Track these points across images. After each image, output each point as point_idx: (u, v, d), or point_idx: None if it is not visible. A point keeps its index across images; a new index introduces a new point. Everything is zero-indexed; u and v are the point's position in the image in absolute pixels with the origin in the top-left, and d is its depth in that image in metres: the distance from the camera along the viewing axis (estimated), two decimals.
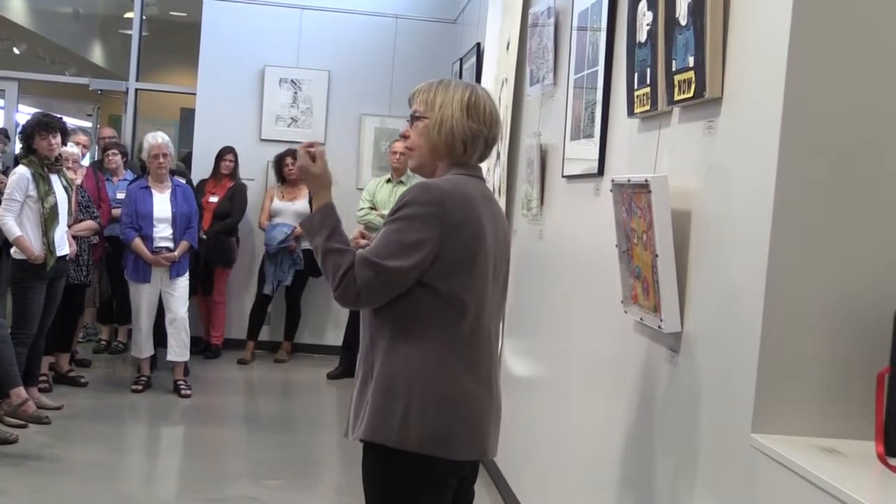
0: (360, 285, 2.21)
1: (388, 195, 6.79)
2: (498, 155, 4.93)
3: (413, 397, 2.26)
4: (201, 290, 7.39)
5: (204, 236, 7.04)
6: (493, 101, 2.47)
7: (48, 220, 5.30)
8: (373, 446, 2.31)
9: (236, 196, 7.40)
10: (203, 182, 7.50)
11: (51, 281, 5.43)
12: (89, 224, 6.18)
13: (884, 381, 1.91)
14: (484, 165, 5.38)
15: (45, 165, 5.36)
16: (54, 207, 5.35)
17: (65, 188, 5.51)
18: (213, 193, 7.40)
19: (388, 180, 6.93)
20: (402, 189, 6.61)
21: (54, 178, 5.42)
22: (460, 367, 2.31)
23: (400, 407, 2.26)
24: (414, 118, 2.42)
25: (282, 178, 7.51)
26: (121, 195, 6.78)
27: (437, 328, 2.29)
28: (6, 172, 6.51)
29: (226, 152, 7.48)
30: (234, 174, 7.50)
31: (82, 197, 6.16)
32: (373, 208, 6.80)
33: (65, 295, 5.71)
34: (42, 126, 5.34)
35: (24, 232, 5.25)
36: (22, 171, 5.31)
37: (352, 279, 2.22)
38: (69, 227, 5.70)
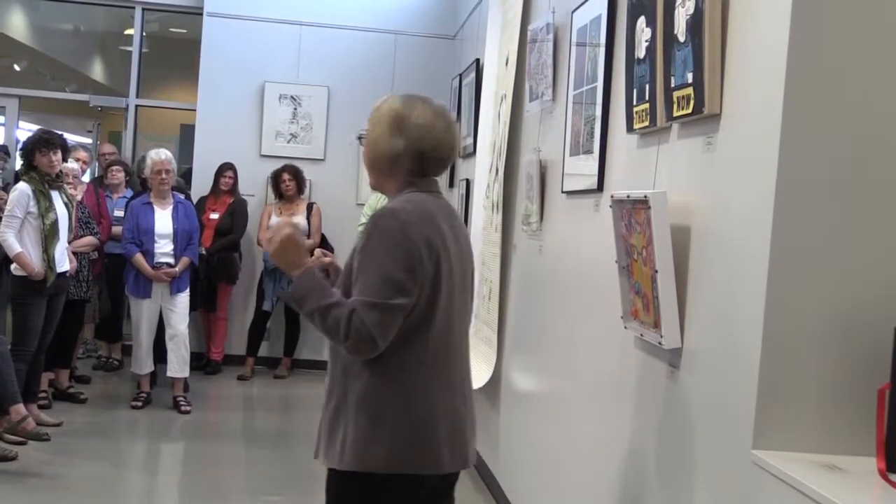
0: (371, 328, 2.17)
1: None
2: (497, 170, 4.94)
3: (397, 421, 2.27)
4: (204, 306, 7.40)
5: (204, 252, 7.04)
6: (440, 110, 2.42)
7: (48, 237, 5.30)
8: (355, 474, 2.28)
9: (237, 212, 7.42)
10: (203, 199, 7.51)
11: (51, 297, 5.43)
12: (89, 240, 6.18)
13: (884, 397, 1.91)
14: (483, 181, 5.42)
15: (45, 182, 5.36)
16: (55, 224, 5.35)
17: (65, 205, 5.52)
18: (214, 210, 7.40)
19: None
20: None
21: (55, 195, 5.43)
22: (436, 382, 2.33)
23: (385, 432, 2.26)
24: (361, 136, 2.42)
25: (279, 195, 7.52)
26: (119, 213, 6.77)
27: (409, 345, 2.29)
28: (6, 189, 6.52)
29: (225, 169, 7.49)
30: (233, 190, 7.51)
31: (82, 213, 6.17)
32: None
33: (65, 311, 5.70)
34: (43, 143, 5.36)
35: (24, 248, 5.25)
36: (23, 187, 5.32)
37: (359, 323, 2.17)
38: (69, 243, 5.70)
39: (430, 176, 2.43)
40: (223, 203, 7.44)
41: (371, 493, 2.30)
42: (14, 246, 5.22)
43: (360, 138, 2.48)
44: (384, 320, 2.19)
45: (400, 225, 2.24)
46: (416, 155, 2.36)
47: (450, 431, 2.33)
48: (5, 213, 5.35)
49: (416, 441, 2.28)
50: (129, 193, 7.19)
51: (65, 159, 5.60)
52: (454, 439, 2.35)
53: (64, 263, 5.49)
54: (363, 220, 6.82)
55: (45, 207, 5.31)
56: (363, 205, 7.25)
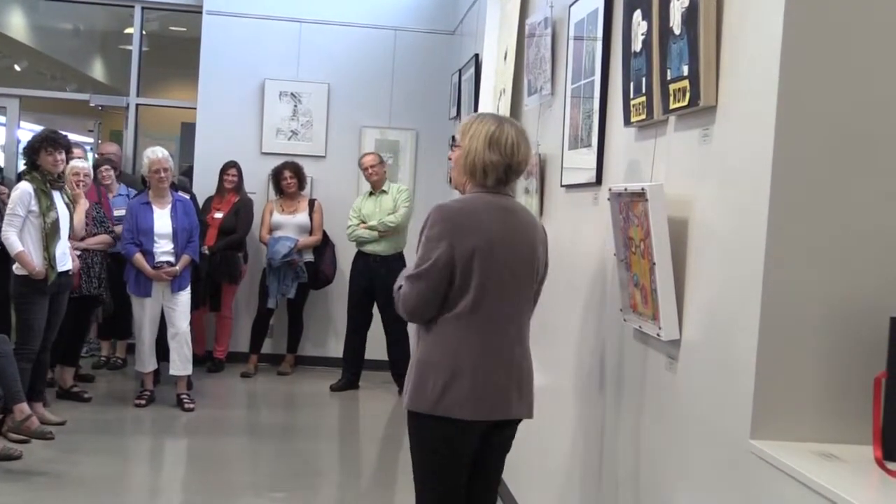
0: (399, 295, 2.84)
1: (373, 207, 7.00)
2: None
3: (433, 370, 2.79)
4: (209, 305, 7.40)
5: (206, 251, 7.04)
6: (521, 131, 2.89)
7: (49, 236, 5.32)
8: (411, 413, 2.86)
9: (242, 211, 7.38)
10: (209, 199, 7.48)
11: (53, 296, 5.44)
12: (103, 237, 6.22)
13: (881, 386, 1.92)
14: None
15: (47, 181, 5.38)
16: (55, 223, 5.37)
17: (66, 205, 5.54)
18: (218, 209, 7.37)
19: (371, 193, 7.04)
20: (385, 197, 6.98)
21: (56, 195, 5.45)
22: (470, 342, 2.76)
23: (430, 380, 2.78)
24: (454, 145, 2.97)
25: (280, 191, 7.52)
26: (118, 212, 6.75)
27: (450, 311, 2.78)
28: (4, 183, 6.52)
29: (228, 167, 7.48)
30: (238, 188, 7.49)
31: (97, 212, 6.21)
32: (362, 222, 6.90)
33: (76, 307, 5.71)
34: (49, 142, 5.38)
35: (25, 247, 5.27)
36: (24, 186, 5.33)
37: (397, 293, 2.86)
38: (82, 240, 5.71)
39: (497, 183, 2.86)
40: (228, 202, 7.41)
41: (416, 429, 2.89)
42: (16, 244, 5.24)
43: (454, 145, 3.00)
44: (407, 289, 2.81)
45: (441, 216, 2.79)
46: (506, 167, 2.85)
47: (467, 384, 2.76)
48: (7, 211, 5.36)
49: (448, 388, 2.77)
50: (124, 190, 7.18)
51: (68, 160, 5.62)
52: (469, 391, 2.75)
53: (66, 262, 5.51)
54: (350, 222, 6.97)
55: (47, 206, 5.33)
56: None
